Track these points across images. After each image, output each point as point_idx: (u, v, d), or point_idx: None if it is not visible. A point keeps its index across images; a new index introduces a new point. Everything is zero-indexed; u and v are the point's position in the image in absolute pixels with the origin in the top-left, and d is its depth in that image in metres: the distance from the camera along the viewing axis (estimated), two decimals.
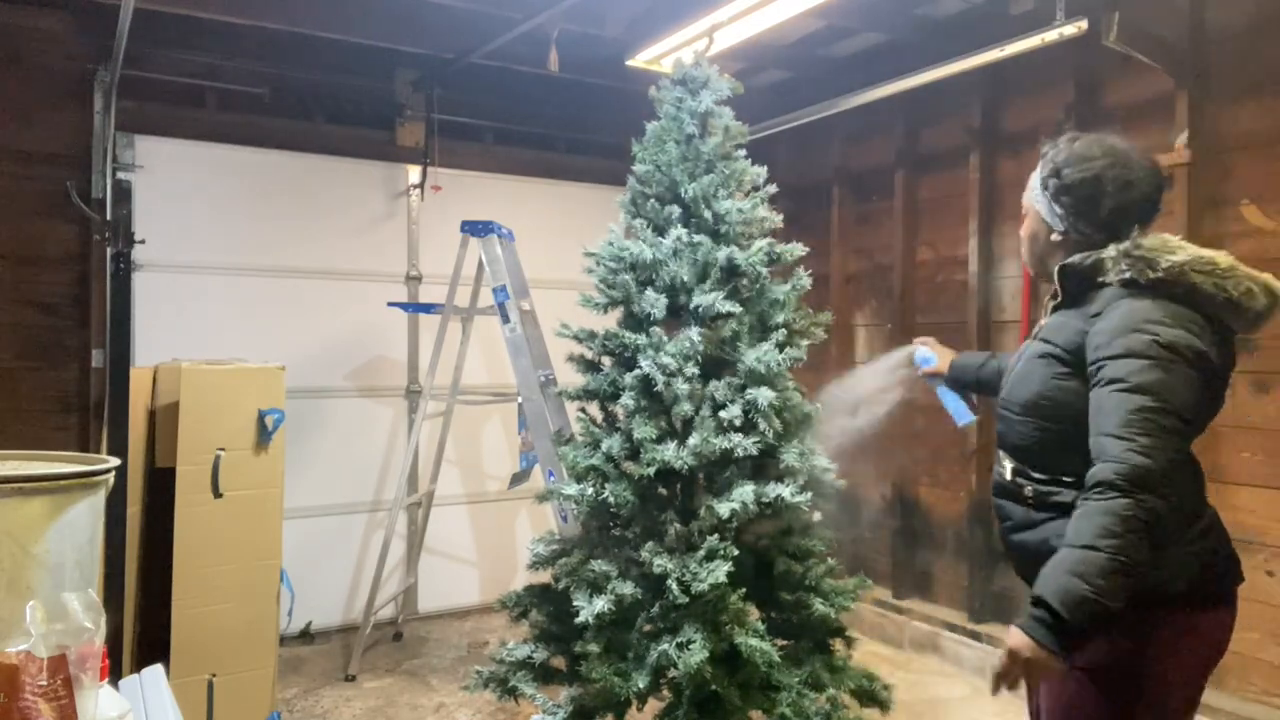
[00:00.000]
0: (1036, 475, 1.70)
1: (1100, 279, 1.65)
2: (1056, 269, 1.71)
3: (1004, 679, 1.55)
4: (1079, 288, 1.69)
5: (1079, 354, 1.62)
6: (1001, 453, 1.81)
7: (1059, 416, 1.65)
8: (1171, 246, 1.61)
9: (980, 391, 2.27)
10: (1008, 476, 1.76)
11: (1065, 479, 1.64)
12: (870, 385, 2.56)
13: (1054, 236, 1.76)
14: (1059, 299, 1.73)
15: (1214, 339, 1.58)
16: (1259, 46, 3.10)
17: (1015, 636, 1.52)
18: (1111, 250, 1.64)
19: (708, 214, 2.68)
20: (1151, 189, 1.70)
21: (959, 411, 2.35)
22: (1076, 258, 1.68)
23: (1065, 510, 1.59)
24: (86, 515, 1.56)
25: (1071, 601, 1.46)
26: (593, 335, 2.75)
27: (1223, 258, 1.59)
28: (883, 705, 2.69)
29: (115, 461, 1.66)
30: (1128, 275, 1.60)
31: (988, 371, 2.21)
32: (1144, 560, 1.46)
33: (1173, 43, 3.23)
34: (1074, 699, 1.65)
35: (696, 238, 2.64)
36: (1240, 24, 3.15)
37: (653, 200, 2.75)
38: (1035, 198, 1.79)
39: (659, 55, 3.85)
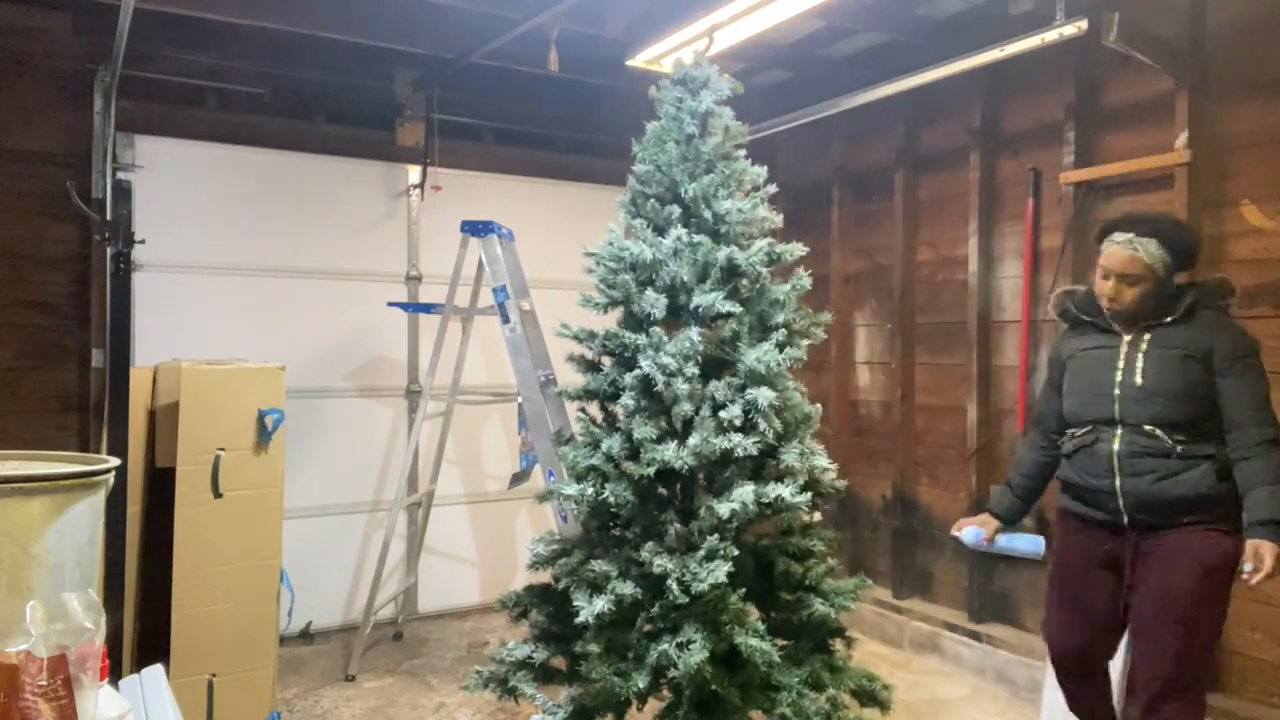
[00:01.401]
0: (1180, 437, 2.34)
1: (1198, 305, 2.41)
2: (1186, 296, 2.43)
3: (1266, 571, 2.17)
4: (1187, 309, 2.41)
5: (1208, 357, 2.36)
6: (1143, 424, 2.38)
7: (1198, 399, 2.35)
8: (1212, 279, 2.53)
9: (1042, 490, 2.77)
10: (1156, 441, 2.36)
11: (1200, 439, 2.35)
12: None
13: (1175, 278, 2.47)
14: (1157, 319, 2.44)
15: None
16: (1259, 46, 3.10)
17: (1269, 548, 2.19)
18: (1191, 284, 2.48)
19: (708, 214, 2.68)
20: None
21: (1031, 549, 2.66)
22: (1185, 292, 2.44)
23: (1203, 459, 2.33)
24: (86, 515, 1.56)
25: None
26: (593, 335, 2.75)
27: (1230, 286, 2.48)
28: (883, 705, 2.69)
29: (115, 461, 1.66)
30: (1216, 302, 2.43)
31: (1033, 467, 2.75)
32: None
33: (1173, 43, 3.23)
34: (1213, 571, 2.33)
35: (696, 238, 2.64)
36: (1240, 24, 3.15)
37: (653, 200, 2.75)
38: (1152, 258, 2.42)
39: (659, 55, 3.85)
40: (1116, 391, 2.42)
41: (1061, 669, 2.64)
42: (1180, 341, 2.37)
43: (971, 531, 2.71)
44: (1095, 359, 2.50)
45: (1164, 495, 2.33)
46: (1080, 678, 2.62)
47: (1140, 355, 2.42)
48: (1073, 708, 2.70)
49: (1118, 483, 2.40)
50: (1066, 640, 2.59)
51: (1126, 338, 2.47)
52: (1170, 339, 2.39)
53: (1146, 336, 2.43)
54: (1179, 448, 2.33)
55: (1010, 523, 2.74)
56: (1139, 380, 2.39)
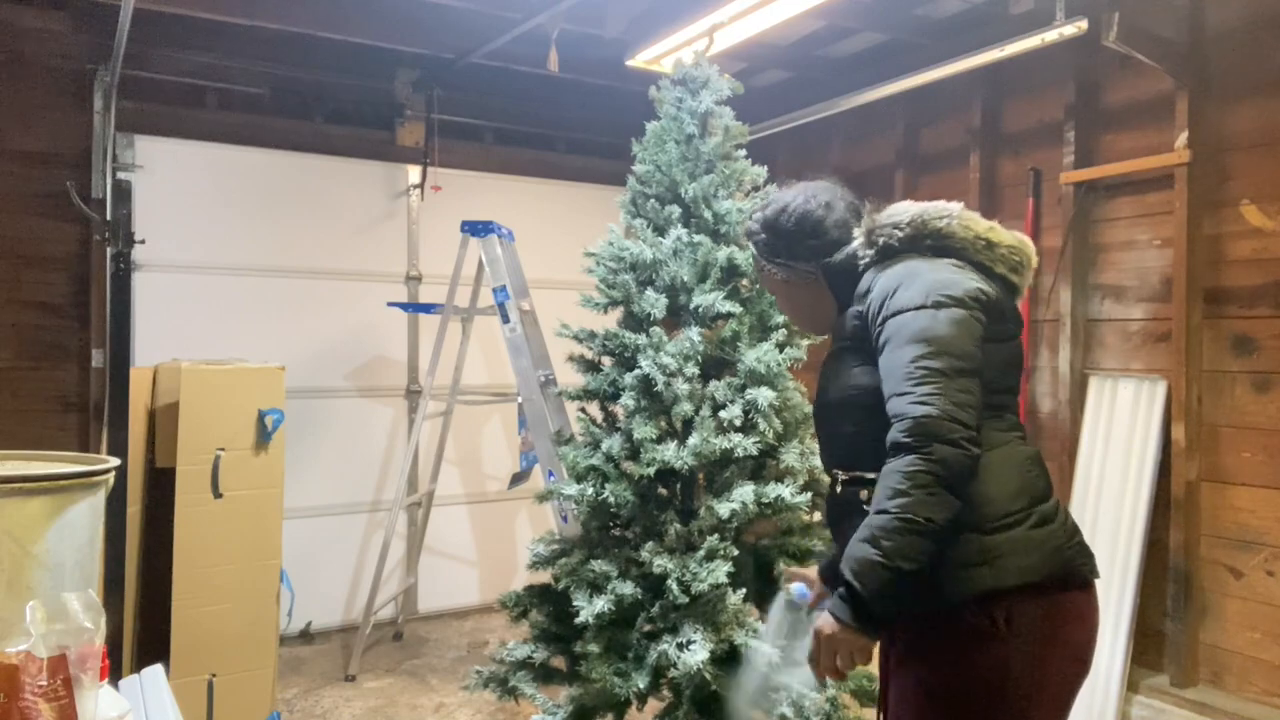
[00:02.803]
0: (870, 477, 1.51)
1: (859, 268, 1.64)
2: (823, 273, 1.70)
3: (815, 664, 1.48)
4: (846, 285, 1.66)
5: (865, 335, 1.56)
6: (829, 471, 1.68)
7: (865, 407, 1.53)
8: (903, 207, 1.63)
9: None
10: (837, 491, 1.62)
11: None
12: (773, 654, 2.07)
13: (807, 281, 1.73)
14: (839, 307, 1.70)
15: (983, 279, 1.55)
16: (1259, 46, 3.10)
17: (821, 618, 1.46)
18: (856, 236, 1.66)
19: (708, 214, 2.68)
20: (849, 196, 1.75)
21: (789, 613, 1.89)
22: (836, 257, 1.68)
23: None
24: (86, 515, 1.56)
25: (863, 570, 1.38)
26: (593, 335, 2.75)
27: (955, 205, 1.61)
28: None
29: (115, 461, 1.66)
30: (880, 244, 1.61)
31: None
32: (943, 515, 1.36)
33: (1173, 43, 3.22)
34: (922, 693, 1.49)
35: (696, 238, 2.64)
36: (1240, 24, 3.15)
37: (653, 200, 2.75)
38: (774, 269, 1.76)
39: (659, 55, 3.85)
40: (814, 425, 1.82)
41: None
42: (837, 330, 1.74)
43: (798, 590, 1.89)
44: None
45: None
46: None
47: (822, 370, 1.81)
48: None
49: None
50: None
51: None
52: (835, 330, 1.74)
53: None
54: (863, 492, 1.58)
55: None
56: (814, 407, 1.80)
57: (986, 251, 1.58)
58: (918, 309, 1.45)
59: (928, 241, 1.58)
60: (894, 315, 1.48)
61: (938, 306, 1.45)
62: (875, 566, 1.38)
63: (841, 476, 1.59)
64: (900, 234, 1.59)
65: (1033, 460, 1.54)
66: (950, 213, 1.59)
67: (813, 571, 1.87)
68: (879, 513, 1.40)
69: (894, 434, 1.41)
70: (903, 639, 1.54)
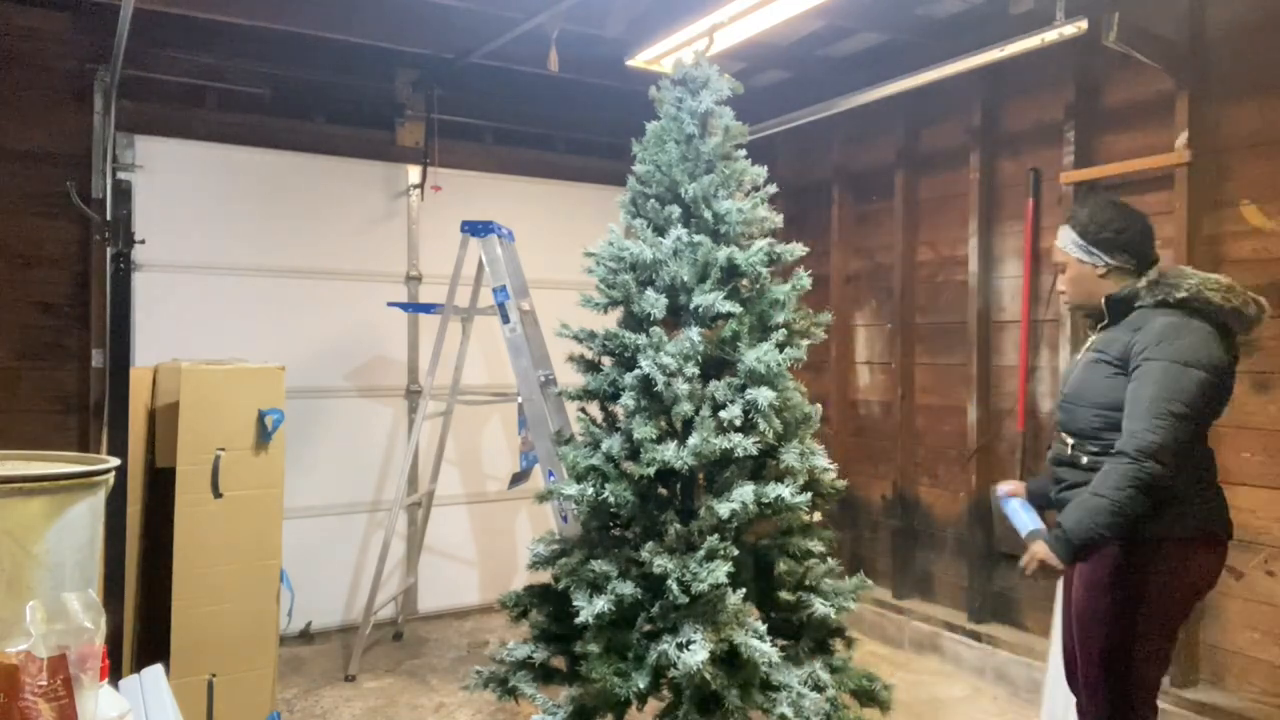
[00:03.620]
0: (1092, 449, 2.24)
1: (1136, 304, 2.23)
2: (1104, 299, 2.28)
3: (1027, 568, 2.25)
4: (1120, 311, 2.26)
5: (1126, 360, 2.18)
6: (1065, 434, 2.33)
7: (1112, 407, 2.18)
8: (1186, 274, 2.19)
9: (1052, 507, 2.48)
10: (1068, 452, 2.30)
11: (1112, 451, 2.14)
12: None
13: (1099, 271, 2.31)
14: (1105, 321, 2.31)
15: (1224, 342, 2.13)
16: (1259, 46, 3.10)
17: (1041, 547, 2.22)
18: (1142, 281, 2.23)
19: (708, 214, 2.68)
20: (1150, 228, 2.32)
21: (1023, 523, 2.45)
22: (1119, 290, 2.26)
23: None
24: (86, 515, 1.56)
25: (1078, 528, 2.14)
26: (593, 335, 2.75)
27: (1224, 278, 2.17)
28: (883, 705, 2.69)
29: (115, 461, 1.66)
30: (1160, 297, 2.17)
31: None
32: (1138, 510, 2.08)
33: (1173, 43, 3.23)
34: (1101, 586, 2.21)
35: (696, 238, 2.64)
36: (1240, 24, 3.15)
37: (653, 200, 2.75)
38: (1071, 248, 2.34)
39: (659, 55, 3.85)
40: (1060, 399, 2.40)
41: (1066, 670, 2.63)
42: (1104, 344, 2.26)
43: (1004, 488, 2.59)
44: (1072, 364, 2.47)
45: (1068, 500, 2.26)
46: (1070, 678, 2.61)
47: (1079, 361, 2.37)
48: (1078, 708, 2.69)
49: (1052, 492, 2.39)
50: (1065, 643, 2.58)
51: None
52: (1102, 342, 2.28)
53: (1090, 340, 2.37)
54: (1084, 459, 2.24)
55: (1035, 495, 2.54)
56: (1065, 388, 2.37)
57: (1234, 317, 2.16)
58: (1171, 362, 2.09)
59: (1196, 305, 2.14)
60: (1154, 360, 2.11)
61: (1186, 365, 2.08)
62: (1087, 529, 2.13)
63: (1071, 444, 2.30)
64: (1178, 295, 2.15)
65: (1211, 458, 2.26)
66: (1218, 286, 2.15)
67: (1020, 485, 2.58)
68: (1098, 495, 2.11)
69: (1125, 443, 2.09)
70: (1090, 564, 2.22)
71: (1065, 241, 2.35)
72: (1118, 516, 2.07)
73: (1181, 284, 2.14)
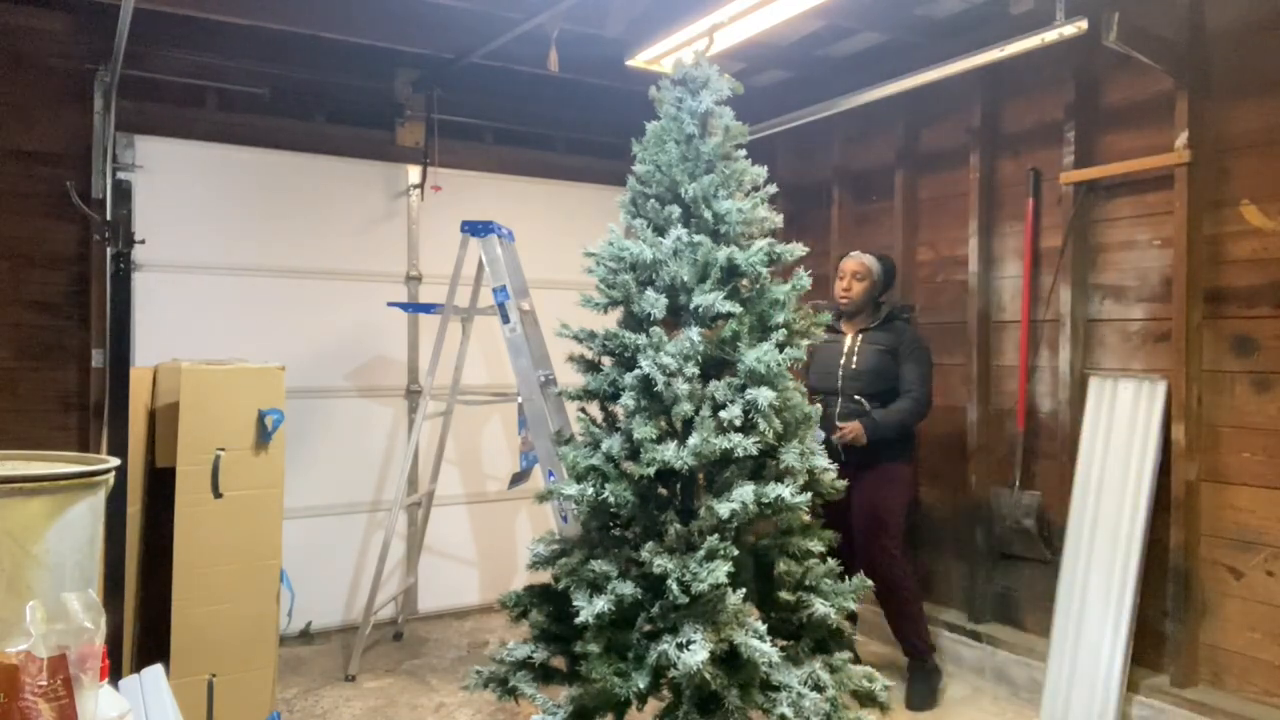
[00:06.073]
0: (875, 404, 3.68)
1: (885, 315, 3.79)
2: (883, 309, 3.82)
3: (843, 438, 3.56)
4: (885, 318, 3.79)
5: (896, 349, 3.70)
6: (845, 394, 3.74)
7: (890, 379, 3.70)
8: (898, 299, 4.07)
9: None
10: (854, 404, 3.71)
11: (885, 405, 3.69)
12: None
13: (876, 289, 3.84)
14: (875, 324, 3.78)
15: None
16: (1259, 46, 3.10)
17: (859, 425, 3.58)
18: (885, 302, 3.86)
19: (708, 214, 2.68)
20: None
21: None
22: (881, 312, 3.81)
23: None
24: (86, 515, 1.56)
25: (882, 427, 3.61)
26: (593, 335, 2.75)
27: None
28: (883, 706, 2.69)
29: (115, 461, 1.66)
30: (894, 311, 3.80)
31: None
32: (914, 425, 3.75)
33: (1173, 43, 3.23)
34: (904, 482, 3.81)
35: (696, 238, 2.64)
36: (1240, 24, 3.15)
37: (653, 200, 2.75)
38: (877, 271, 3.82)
39: (659, 55, 3.85)
40: (840, 372, 3.73)
41: (845, 554, 3.44)
42: (880, 340, 3.71)
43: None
44: (830, 350, 3.79)
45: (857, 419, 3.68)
46: (849, 558, 3.55)
47: (857, 348, 3.73)
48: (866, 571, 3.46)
49: (834, 435, 3.59)
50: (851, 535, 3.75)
51: (848, 336, 3.77)
52: (874, 338, 3.72)
53: (860, 336, 3.74)
54: (872, 410, 3.65)
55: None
56: (854, 365, 3.70)
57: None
58: (926, 349, 3.76)
59: (906, 315, 3.87)
60: (916, 350, 3.71)
61: (928, 350, 3.77)
62: (885, 429, 3.60)
63: (862, 399, 3.70)
64: (904, 315, 3.84)
65: None
66: (910, 310, 4.02)
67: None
68: (893, 416, 3.65)
69: (907, 398, 3.67)
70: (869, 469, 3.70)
71: (868, 261, 3.82)
72: (904, 426, 3.67)
73: (902, 305, 3.94)
